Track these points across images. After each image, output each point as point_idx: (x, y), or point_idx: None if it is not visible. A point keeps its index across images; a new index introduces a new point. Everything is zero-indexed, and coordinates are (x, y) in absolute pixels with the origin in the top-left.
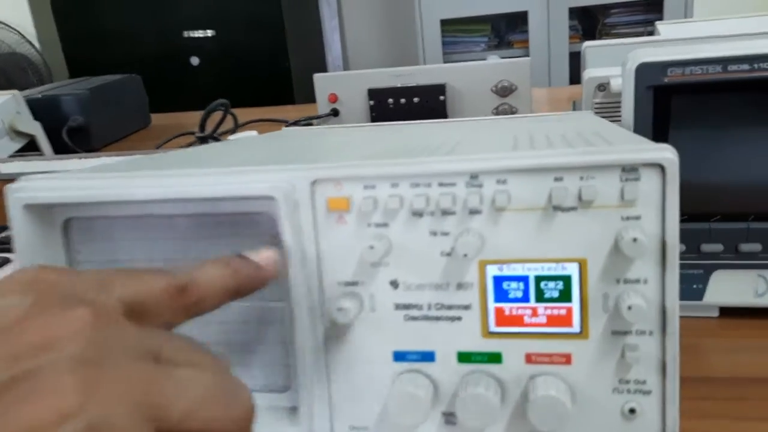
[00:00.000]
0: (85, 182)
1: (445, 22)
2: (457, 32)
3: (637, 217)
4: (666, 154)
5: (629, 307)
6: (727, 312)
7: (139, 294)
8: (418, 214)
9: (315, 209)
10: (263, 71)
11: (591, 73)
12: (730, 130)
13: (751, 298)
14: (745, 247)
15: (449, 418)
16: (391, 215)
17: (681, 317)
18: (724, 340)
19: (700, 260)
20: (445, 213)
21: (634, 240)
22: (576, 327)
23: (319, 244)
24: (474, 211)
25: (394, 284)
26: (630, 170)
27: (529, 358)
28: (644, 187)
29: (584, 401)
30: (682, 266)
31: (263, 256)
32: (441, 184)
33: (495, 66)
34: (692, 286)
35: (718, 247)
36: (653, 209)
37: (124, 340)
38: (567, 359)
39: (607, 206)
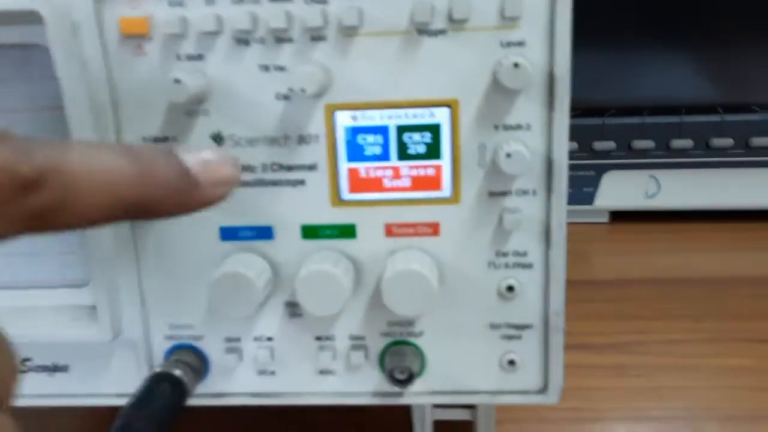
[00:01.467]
0: None
1: None
2: None
3: (520, 43)
4: None
5: (508, 155)
6: (617, 217)
7: None
8: (243, 41)
9: (103, 35)
10: None
11: None
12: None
13: (642, 200)
14: (639, 144)
15: (293, 308)
16: (207, 43)
17: (570, 223)
18: (613, 245)
19: (592, 159)
20: (280, 40)
21: (516, 65)
22: (446, 190)
23: (113, 86)
24: (317, 37)
25: (217, 139)
26: None
27: (390, 230)
28: (531, 0)
29: (454, 280)
30: (572, 167)
31: (204, 158)
32: (273, 0)
33: None
34: (583, 190)
35: (610, 145)
36: (540, 32)
37: None
38: (434, 230)
39: (483, 28)
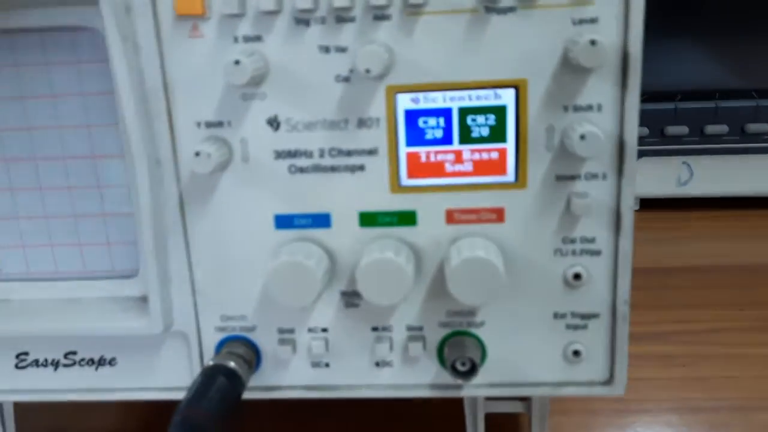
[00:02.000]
0: None
1: None
2: None
3: (593, 20)
4: None
5: (582, 136)
6: (645, 204)
7: None
8: (303, 21)
9: (157, 16)
10: None
11: None
12: None
13: (673, 187)
14: (672, 130)
15: (350, 298)
16: (266, 24)
17: None
18: (644, 233)
19: None
20: (341, 19)
21: (592, 43)
22: (510, 174)
23: (166, 69)
24: (380, 16)
25: (274, 123)
26: None
27: (451, 217)
28: None
29: (519, 267)
30: None
31: None
32: None
33: None
34: None
35: (643, 131)
36: (613, 9)
37: None
38: (499, 215)
39: (555, 5)
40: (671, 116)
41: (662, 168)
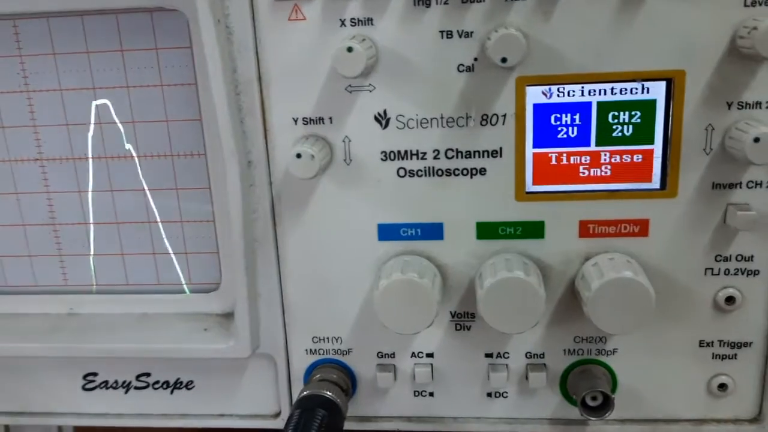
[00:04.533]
0: None
1: None
2: None
3: None
4: None
5: (756, 139)
6: None
7: None
8: (423, 1)
9: None
10: None
11: None
12: None
13: None
14: None
15: (461, 320)
16: (379, 4)
17: None
18: None
19: None
20: None
21: None
22: (656, 181)
23: (262, 56)
24: None
25: (382, 119)
26: None
27: (585, 229)
28: None
29: (663, 288)
30: None
31: None
32: None
33: None
34: None
35: None
36: None
37: None
38: (642, 228)
39: None
40: None
41: None
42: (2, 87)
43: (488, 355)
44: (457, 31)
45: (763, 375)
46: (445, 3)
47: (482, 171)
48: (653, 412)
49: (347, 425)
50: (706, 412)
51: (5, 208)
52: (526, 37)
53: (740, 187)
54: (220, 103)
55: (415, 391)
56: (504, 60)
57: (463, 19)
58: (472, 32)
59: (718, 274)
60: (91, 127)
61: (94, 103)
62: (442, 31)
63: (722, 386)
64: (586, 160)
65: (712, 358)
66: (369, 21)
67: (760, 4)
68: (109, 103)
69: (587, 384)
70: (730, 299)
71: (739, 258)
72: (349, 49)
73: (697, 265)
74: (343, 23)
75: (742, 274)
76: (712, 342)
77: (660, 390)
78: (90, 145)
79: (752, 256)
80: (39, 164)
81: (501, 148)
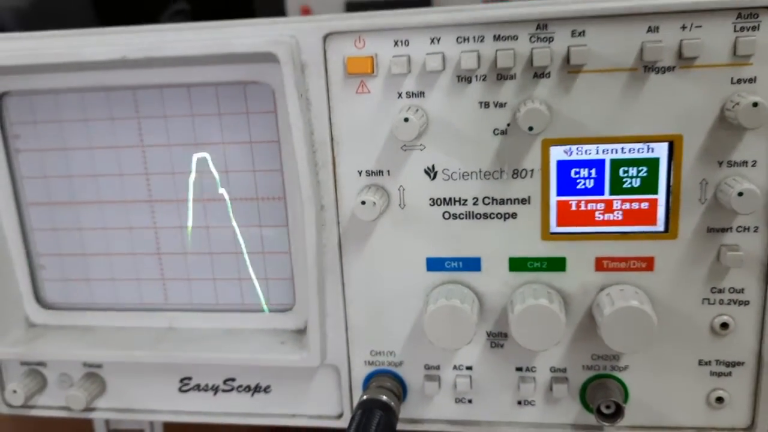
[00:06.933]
0: (24, 42)
1: None
2: None
3: (752, 80)
4: None
5: (740, 194)
6: None
7: None
8: (465, 79)
9: (328, 73)
10: None
11: None
12: None
13: None
14: None
15: (495, 339)
16: (429, 81)
17: None
18: None
19: None
20: (502, 77)
21: (755, 105)
22: (660, 224)
23: (334, 121)
24: (540, 74)
25: (431, 172)
26: (748, 16)
27: (601, 264)
28: (764, 39)
29: (666, 315)
30: None
31: None
32: (498, 38)
33: None
34: None
35: None
36: None
37: None
38: (648, 264)
39: (714, 65)
40: None
41: None
42: (123, 142)
43: (518, 369)
44: (493, 102)
45: (755, 390)
46: (483, 80)
47: (514, 215)
48: (659, 420)
49: (398, 427)
50: (705, 421)
51: (120, 239)
52: (550, 109)
53: (731, 231)
54: (300, 159)
55: (456, 399)
56: (531, 128)
57: (498, 92)
58: (505, 103)
59: (714, 304)
60: (192, 174)
61: (195, 155)
62: (480, 102)
63: (719, 399)
64: (601, 207)
65: (710, 374)
66: (421, 94)
67: (744, 82)
68: (207, 156)
69: (603, 395)
70: (724, 325)
71: (732, 290)
72: (406, 120)
73: (695, 296)
74: (400, 95)
75: (735, 304)
76: (710, 361)
77: (665, 401)
78: (191, 189)
79: (743, 289)
80: (149, 205)
81: (529, 197)
